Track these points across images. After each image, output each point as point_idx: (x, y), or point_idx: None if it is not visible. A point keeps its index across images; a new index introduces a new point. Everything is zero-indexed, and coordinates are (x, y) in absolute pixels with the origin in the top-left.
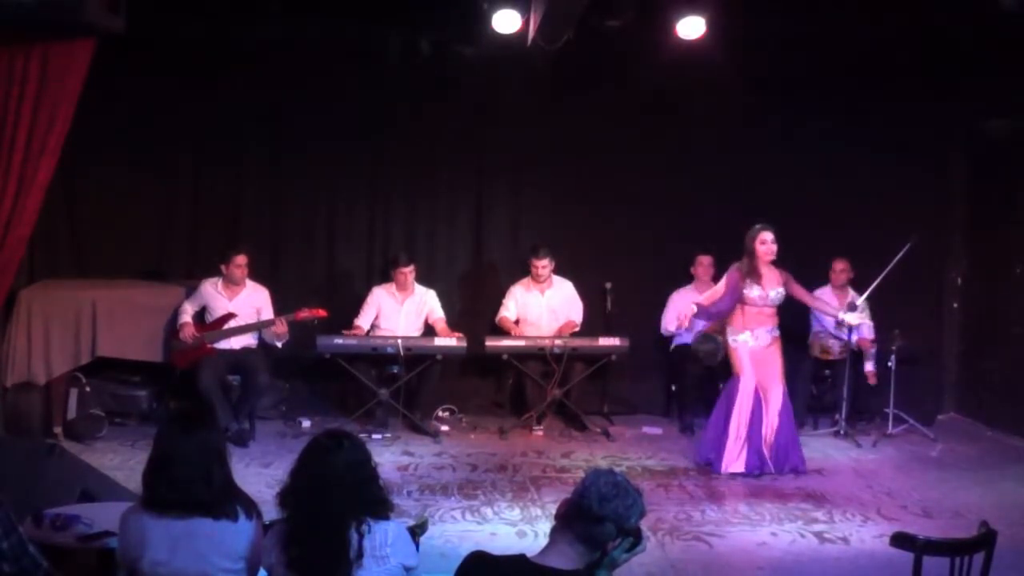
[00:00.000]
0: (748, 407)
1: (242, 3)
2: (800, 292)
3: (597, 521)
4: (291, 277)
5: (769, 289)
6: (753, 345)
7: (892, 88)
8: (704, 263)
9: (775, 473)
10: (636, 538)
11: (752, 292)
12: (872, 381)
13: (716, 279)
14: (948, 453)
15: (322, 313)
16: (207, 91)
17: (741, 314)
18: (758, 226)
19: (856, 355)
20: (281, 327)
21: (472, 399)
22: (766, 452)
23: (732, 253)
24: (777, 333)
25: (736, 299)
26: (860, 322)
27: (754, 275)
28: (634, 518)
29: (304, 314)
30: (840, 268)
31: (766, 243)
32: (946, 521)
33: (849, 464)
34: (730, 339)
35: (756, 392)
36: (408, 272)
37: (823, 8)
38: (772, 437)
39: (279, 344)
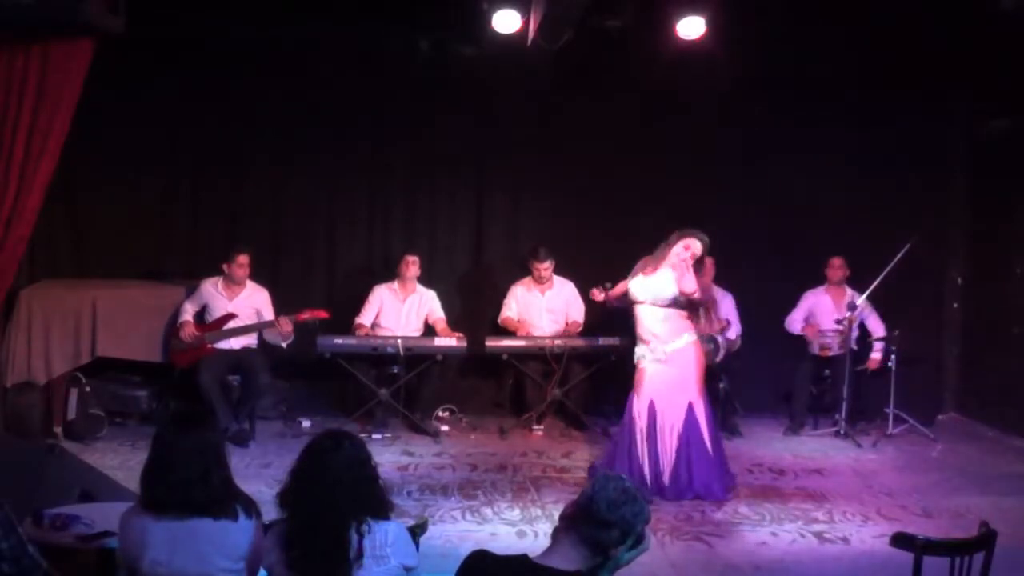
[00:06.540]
0: (644, 427)
1: (241, 3)
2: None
3: (605, 526)
4: (291, 277)
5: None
6: (651, 358)
7: (892, 88)
8: (705, 264)
9: (672, 500)
10: (639, 537)
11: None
12: (873, 367)
13: (718, 279)
14: (948, 453)
15: (323, 314)
16: (206, 91)
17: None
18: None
19: (856, 355)
20: (287, 327)
21: (472, 399)
22: (664, 478)
23: (732, 253)
24: (680, 344)
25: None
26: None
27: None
28: (640, 525)
29: (306, 315)
30: (836, 265)
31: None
32: (946, 521)
33: (849, 464)
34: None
35: (651, 411)
36: (412, 262)
37: (823, 9)
38: (669, 462)
39: (284, 344)
